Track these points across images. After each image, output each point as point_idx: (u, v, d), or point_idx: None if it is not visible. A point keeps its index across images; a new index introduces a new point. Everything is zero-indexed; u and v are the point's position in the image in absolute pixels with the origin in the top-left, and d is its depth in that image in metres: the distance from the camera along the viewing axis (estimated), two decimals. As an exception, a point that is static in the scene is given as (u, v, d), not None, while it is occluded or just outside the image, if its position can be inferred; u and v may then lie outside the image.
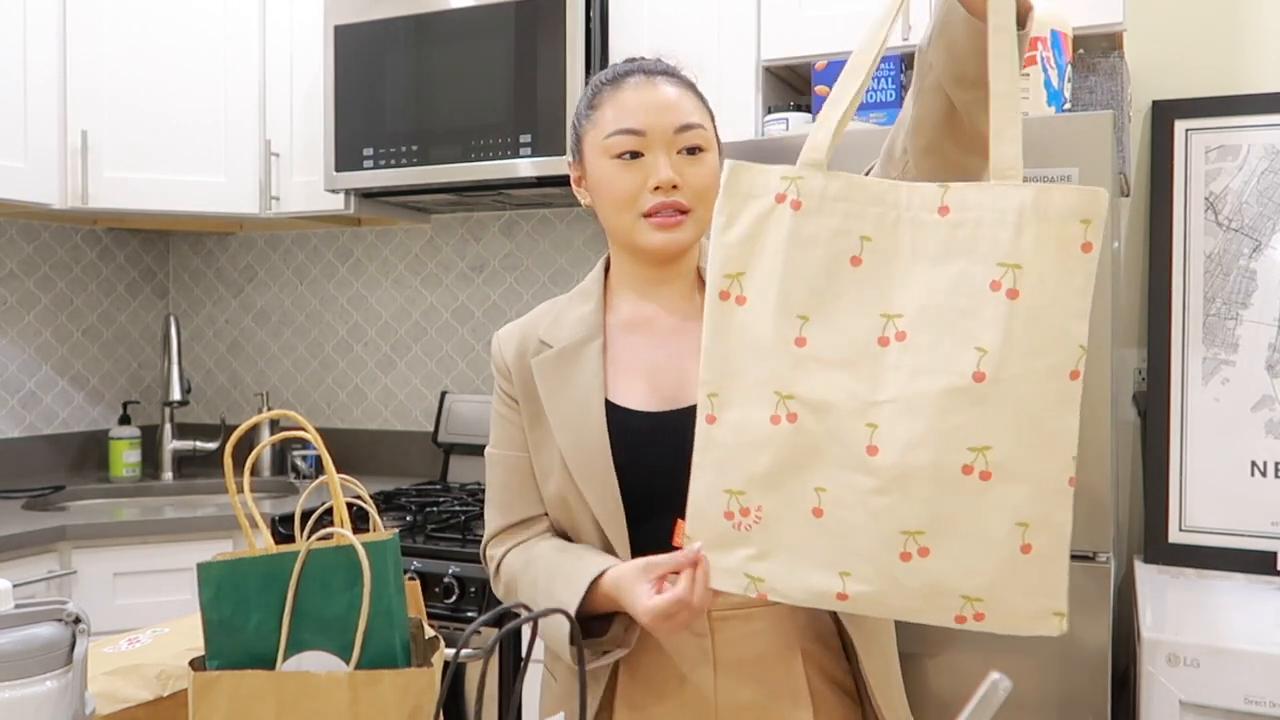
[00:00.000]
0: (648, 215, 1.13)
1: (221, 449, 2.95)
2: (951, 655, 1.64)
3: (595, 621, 1.08)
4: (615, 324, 1.20)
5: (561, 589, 1.07)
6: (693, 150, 1.14)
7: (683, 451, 0.96)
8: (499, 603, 2.02)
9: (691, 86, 1.19)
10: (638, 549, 1.10)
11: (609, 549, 1.12)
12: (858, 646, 1.12)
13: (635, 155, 1.13)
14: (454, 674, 0.66)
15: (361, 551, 0.69)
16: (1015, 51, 0.87)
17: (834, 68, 1.94)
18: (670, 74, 1.18)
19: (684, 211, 1.13)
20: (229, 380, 3.16)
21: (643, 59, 1.21)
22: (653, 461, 1.11)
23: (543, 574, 1.12)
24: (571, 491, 1.14)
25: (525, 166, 2.26)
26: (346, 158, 2.45)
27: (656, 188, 1.12)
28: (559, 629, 1.08)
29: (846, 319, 0.89)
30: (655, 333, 1.18)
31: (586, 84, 1.27)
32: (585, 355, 1.17)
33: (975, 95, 0.94)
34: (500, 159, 2.28)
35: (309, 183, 2.59)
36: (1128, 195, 2.17)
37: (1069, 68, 1.71)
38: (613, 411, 1.14)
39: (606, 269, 1.25)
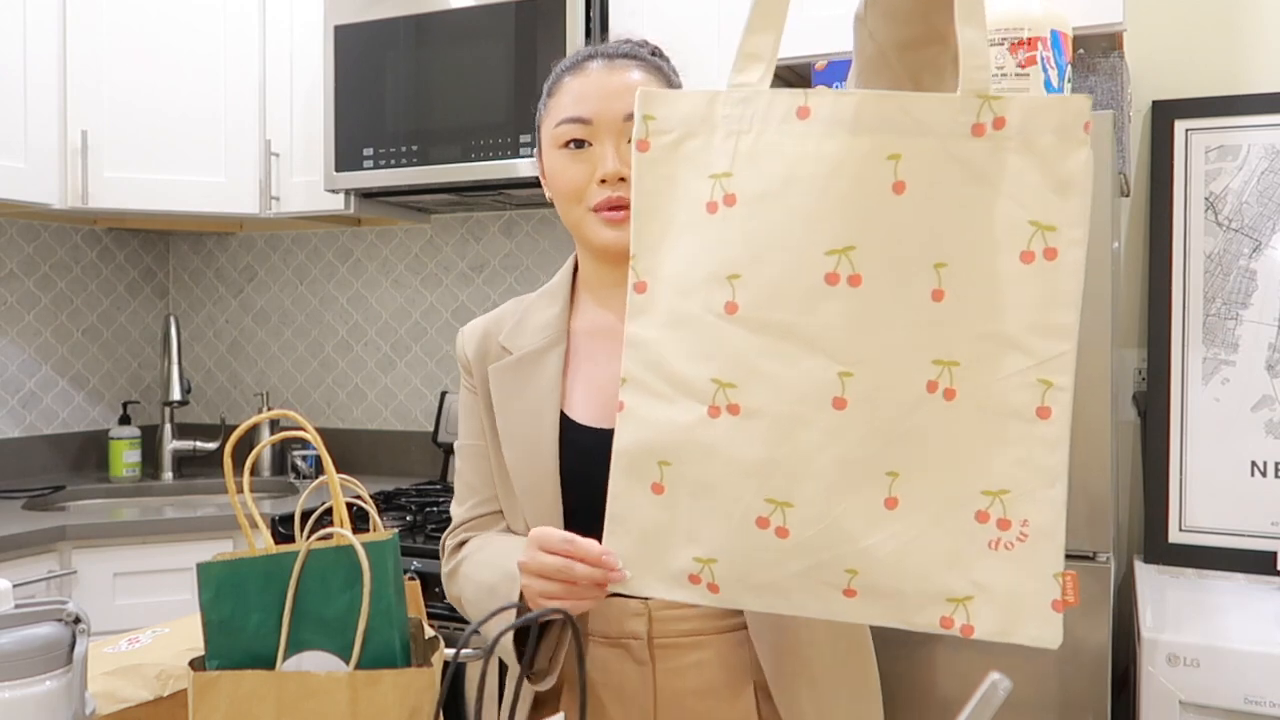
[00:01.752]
0: (596, 210, 1.05)
1: (221, 449, 2.95)
2: (951, 655, 1.64)
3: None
4: (579, 330, 1.13)
5: (491, 574, 1.03)
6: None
7: None
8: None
9: (658, 70, 1.10)
10: None
11: None
12: (779, 683, 1.02)
13: (580, 144, 1.05)
14: (454, 674, 0.66)
15: (361, 551, 0.69)
16: None
17: (834, 68, 1.94)
18: (635, 57, 1.09)
19: (627, 207, 1.03)
20: (229, 380, 3.16)
21: (609, 43, 1.12)
22: (600, 479, 0.97)
23: (479, 563, 1.07)
24: (511, 501, 1.11)
25: (525, 166, 2.26)
26: (346, 158, 2.45)
27: (603, 180, 1.04)
28: (505, 642, 1.01)
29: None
30: (614, 342, 1.07)
31: None
32: (544, 364, 1.10)
33: (924, 55, 0.85)
34: (500, 159, 2.28)
35: (309, 183, 2.59)
36: (1128, 195, 2.17)
37: (1069, 68, 1.71)
38: (566, 426, 1.07)
39: (576, 268, 1.18)
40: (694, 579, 0.83)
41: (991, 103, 0.75)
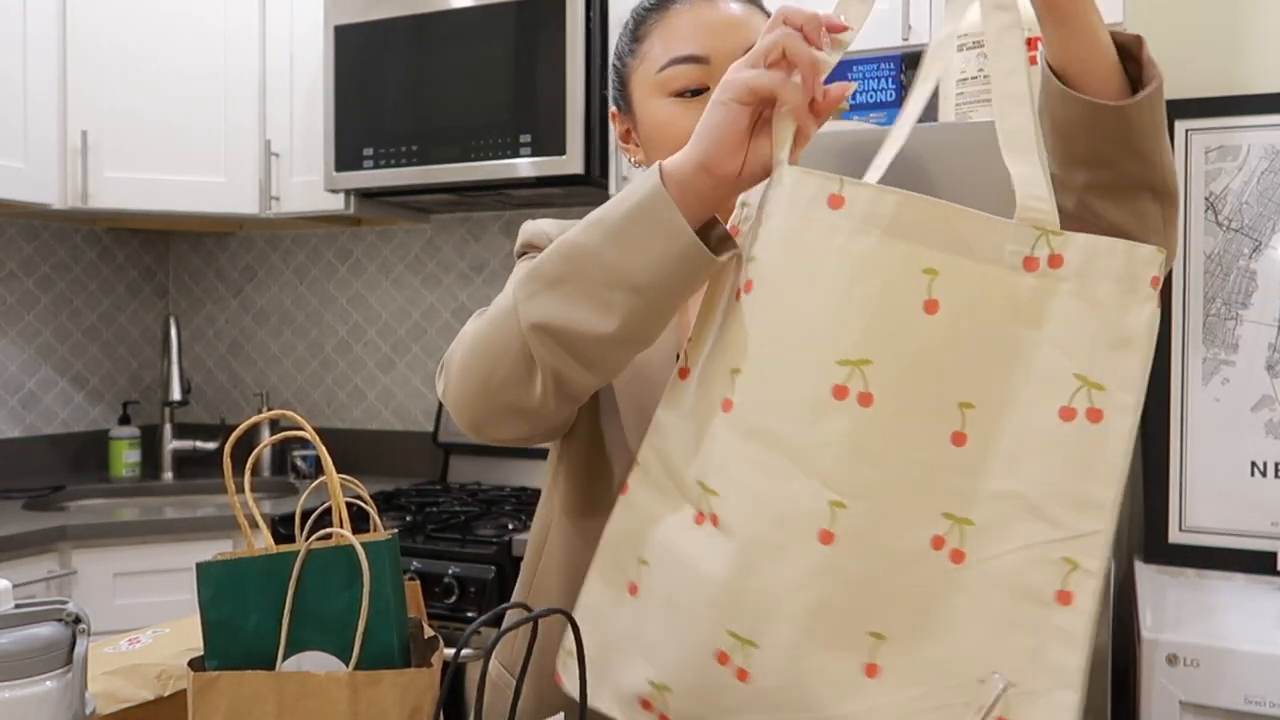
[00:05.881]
0: None
1: (221, 449, 2.95)
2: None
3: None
4: None
5: (611, 213, 0.75)
6: None
7: None
8: (499, 603, 2.02)
9: (756, 2, 0.97)
10: None
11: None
12: None
13: (699, 92, 0.91)
14: (454, 674, 0.66)
15: (361, 551, 0.69)
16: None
17: (834, 68, 1.93)
18: None
19: None
20: (229, 380, 3.16)
21: None
22: None
23: (564, 243, 0.77)
24: (611, 424, 0.92)
25: (525, 166, 2.26)
26: (346, 158, 2.45)
27: None
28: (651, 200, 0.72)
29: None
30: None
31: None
32: None
33: (1093, 177, 0.77)
34: (500, 159, 2.28)
35: (309, 183, 2.59)
36: (1128, 195, 2.17)
37: (1069, 68, 1.71)
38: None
39: None
40: (646, 704, 0.73)
41: (1050, 237, 0.66)
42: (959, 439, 0.66)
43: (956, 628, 0.65)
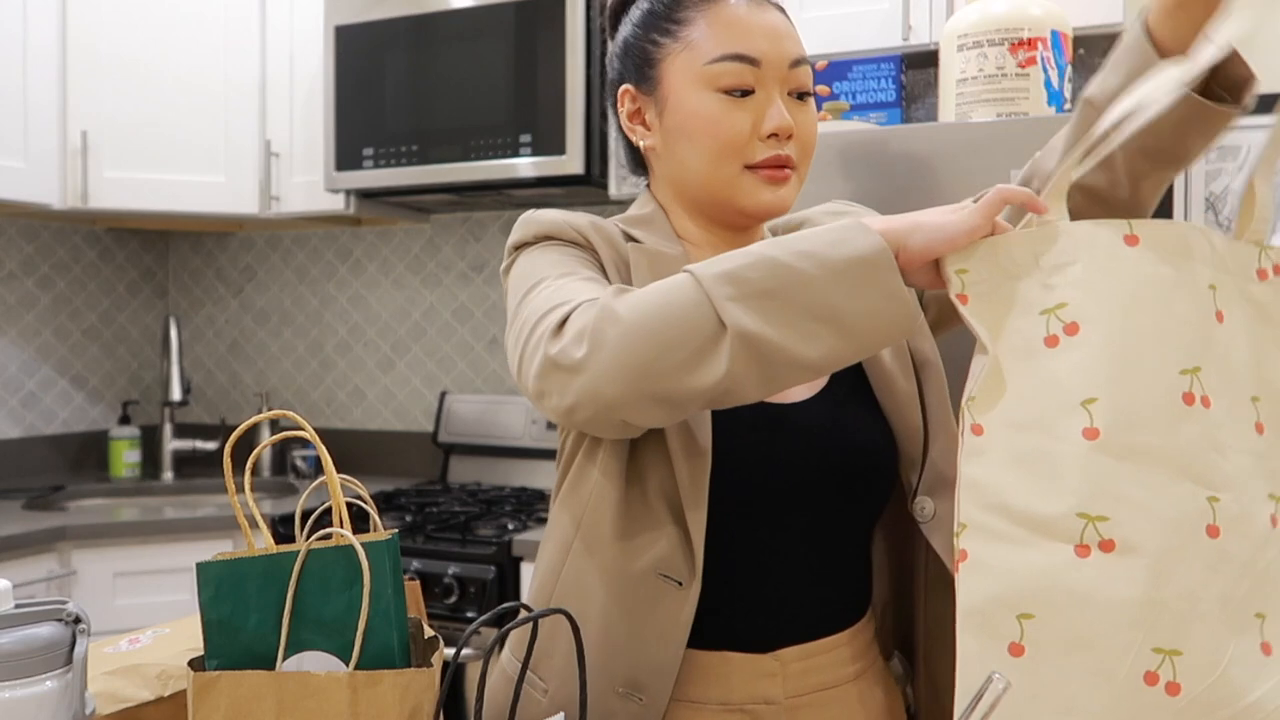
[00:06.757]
0: (757, 168, 0.92)
1: (221, 449, 2.95)
2: (951, 655, 1.63)
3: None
4: None
5: (814, 244, 0.76)
6: (803, 95, 0.94)
7: (776, 446, 0.85)
8: (499, 603, 2.02)
9: (783, 11, 0.97)
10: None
11: (677, 515, 0.89)
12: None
13: (746, 93, 0.91)
14: (454, 674, 0.66)
15: (361, 552, 0.69)
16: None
17: (834, 68, 1.94)
18: None
19: (791, 168, 0.93)
20: (229, 380, 3.16)
21: None
22: (760, 453, 0.88)
23: (753, 253, 0.77)
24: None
25: (525, 166, 2.26)
26: (346, 157, 2.45)
27: (772, 135, 0.91)
28: (856, 238, 0.74)
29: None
30: None
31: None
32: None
33: (1159, 175, 0.85)
34: (500, 159, 2.28)
35: (309, 183, 2.59)
36: (1128, 195, 2.17)
37: (1069, 68, 1.71)
38: None
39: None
40: None
41: (1267, 251, 0.80)
42: (1259, 428, 0.75)
43: None
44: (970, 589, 0.73)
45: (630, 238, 0.96)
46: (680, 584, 0.88)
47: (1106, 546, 0.70)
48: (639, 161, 1.04)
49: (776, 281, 0.74)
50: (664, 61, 0.94)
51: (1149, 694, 0.69)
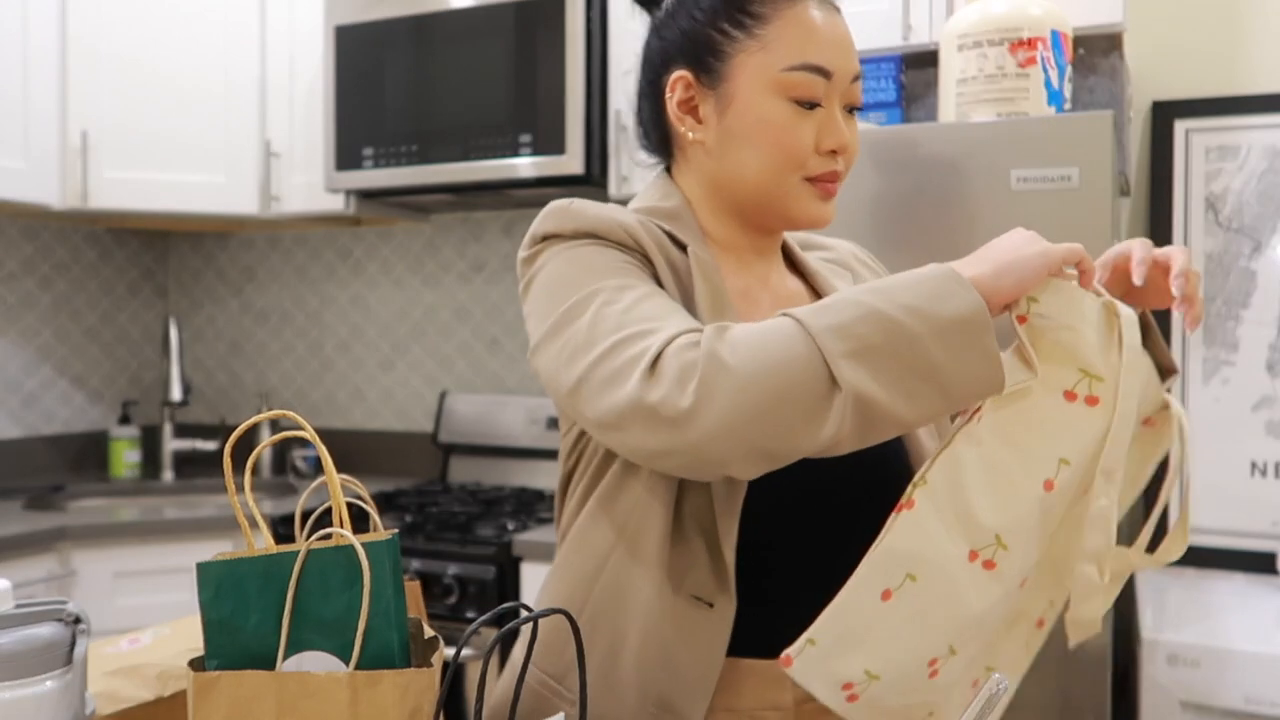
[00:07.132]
0: (816, 180, 0.91)
1: (221, 449, 2.95)
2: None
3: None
4: (730, 289, 0.96)
5: (900, 293, 0.75)
6: (855, 108, 0.94)
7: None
8: (498, 602, 2.02)
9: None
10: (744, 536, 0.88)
11: (709, 528, 0.87)
12: None
13: (814, 105, 0.90)
14: (454, 674, 0.66)
15: (361, 552, 0.69)
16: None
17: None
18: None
19: (839, 182, 0.94)
20: (229, 380, 3.16)
21: None
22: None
23: (840, 301, 0.76)
24: None
25: (525, 166, 2.26)
26: (346, 158, 2.45)
27: (833, 151, 0.91)
28: (944, 292, 0.74)
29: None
30: (759, 306, 0.96)
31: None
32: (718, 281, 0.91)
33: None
34: (500, 159, 2.28)
35: (309, 183, 2.59)
36: (1128, 195, 2.17)
37: (1069, 68, 1.71)
38: None
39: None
40: (848, 687, 0.82)
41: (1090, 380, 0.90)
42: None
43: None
44: (898, 533, 0.81)
45: (674, 239, 0.92)
46: (712, 606, 0.87)
47: (989, 565, 0.81)
48: (665, 144, 0.99)
49: (885, 338, 0.73)
50: (735, 57, 0.90)
51: (923, 673, 0.82)
